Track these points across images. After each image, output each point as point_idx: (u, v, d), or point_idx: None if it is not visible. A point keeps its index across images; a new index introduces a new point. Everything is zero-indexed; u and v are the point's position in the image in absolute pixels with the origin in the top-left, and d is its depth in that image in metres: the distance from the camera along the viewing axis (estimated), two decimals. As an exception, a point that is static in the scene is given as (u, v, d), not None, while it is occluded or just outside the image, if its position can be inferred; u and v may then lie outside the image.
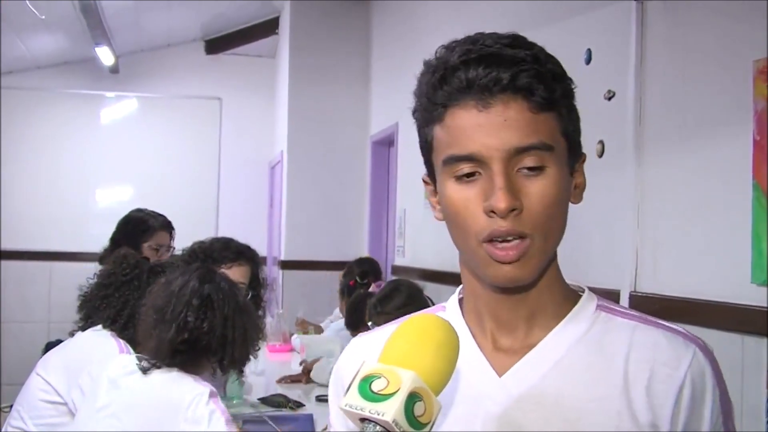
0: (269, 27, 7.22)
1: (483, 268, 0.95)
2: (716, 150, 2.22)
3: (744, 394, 2.02)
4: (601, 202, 2.69)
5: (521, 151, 0.92)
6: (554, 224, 0.95)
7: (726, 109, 2.18)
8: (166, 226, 3.82)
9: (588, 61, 2.83)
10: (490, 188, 0.92)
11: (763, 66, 2.02)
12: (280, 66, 7.11)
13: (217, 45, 7.50)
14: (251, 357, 2.29)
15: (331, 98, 6.42)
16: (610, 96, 2.68)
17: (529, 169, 0.93)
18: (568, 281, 1.05)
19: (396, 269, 5.40)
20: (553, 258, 1.01)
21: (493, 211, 0.91)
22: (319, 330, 4.90)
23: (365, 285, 4.46)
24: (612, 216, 2.68)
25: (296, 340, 4.61)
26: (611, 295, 2.54)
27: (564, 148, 0.97)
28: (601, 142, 2.71)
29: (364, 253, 5.87)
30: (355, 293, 4.21)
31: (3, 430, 2.49)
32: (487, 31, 0.98)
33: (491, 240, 0.93)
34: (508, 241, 0.92)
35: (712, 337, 2.06)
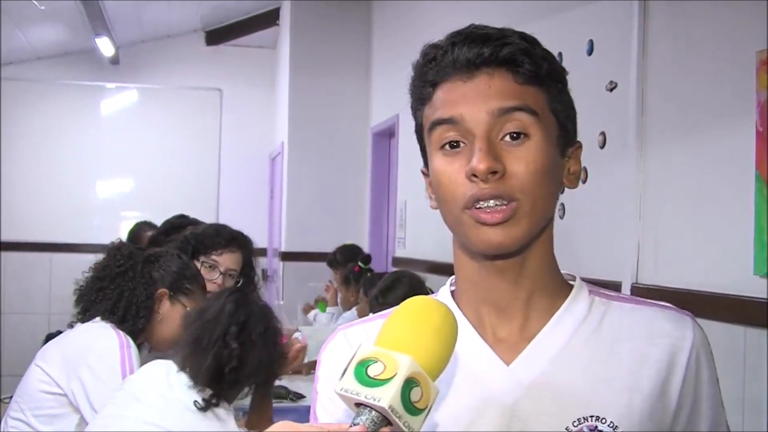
0: (270, 18, 7.20)
1: (469, 234, 0.95)
2: (719, 141, 2.21)
3: (746, 386, 2.02)
4: (603, 194, 2.68)
5: (504, 112, 0.94)
6: (541, 191, 0.95)
7: (728, 100, 2.17)
8: None
9: (590, 52, 2.81)
10: (472, 154, 0.93)
11: (765, 57, 2.00)
12: (281, 57, 7.09)
13: (217, 36, 7.48)
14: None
15: (331, 89, 6.40)
16: (612, 87, 2.66)
17: (513, 137, 0.94)
18: (563, 271, 1.05)
19: (397, 261, 5.40)
20: (548, 239, 1.01)
21: (474, 175, 0.92)
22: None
23: (370, 270, 4.50)
24: (614, 207, 2.67)
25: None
26: (613, 287, 2.52)
27: (553, 125, 0.98)
28: (603, 134, 2.69)
29: (365, 244, 5.86)
30: (369, 276, 4.25)
31: (3, 420, 2.49)
32: (488, 22, 1.00)
33: (476, 206, 0.93)
34: (494, 207, 0.92)
35: (713, 329, 2.06)
